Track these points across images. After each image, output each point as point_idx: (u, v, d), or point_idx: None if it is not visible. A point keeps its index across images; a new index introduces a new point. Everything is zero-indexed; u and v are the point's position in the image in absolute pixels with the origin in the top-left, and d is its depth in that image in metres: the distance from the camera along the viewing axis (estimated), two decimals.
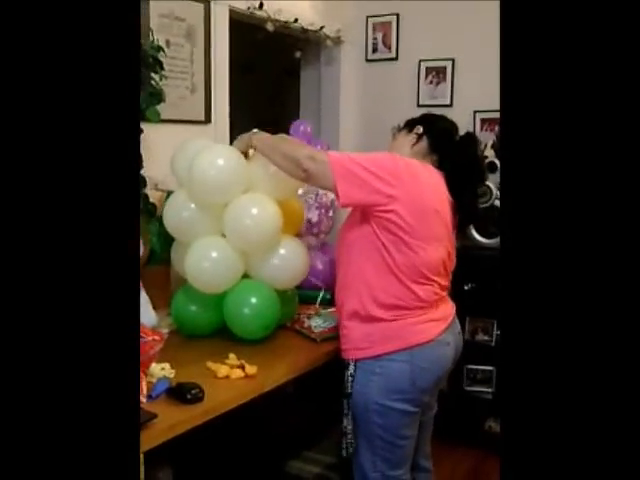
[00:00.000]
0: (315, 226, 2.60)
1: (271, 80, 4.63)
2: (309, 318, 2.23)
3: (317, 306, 2.40)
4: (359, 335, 1.83)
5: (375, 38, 3.60)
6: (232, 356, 1.89)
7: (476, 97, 3.28)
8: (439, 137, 1.94)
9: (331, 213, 2.66)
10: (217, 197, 1.99)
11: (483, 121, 3.31)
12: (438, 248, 1.83)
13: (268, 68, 4.49)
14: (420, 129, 1.95)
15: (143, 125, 2.04)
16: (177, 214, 2.04)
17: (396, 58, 3.56)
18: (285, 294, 2.19)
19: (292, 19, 3.06)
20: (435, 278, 1.83)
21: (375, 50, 3.62)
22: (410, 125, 2.00)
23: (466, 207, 1.93)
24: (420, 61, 3.47)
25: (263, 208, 1.99)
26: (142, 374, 1.64)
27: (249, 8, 2.83)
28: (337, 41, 3.48)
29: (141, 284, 1.94)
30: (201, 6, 2.57)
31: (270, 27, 2.93)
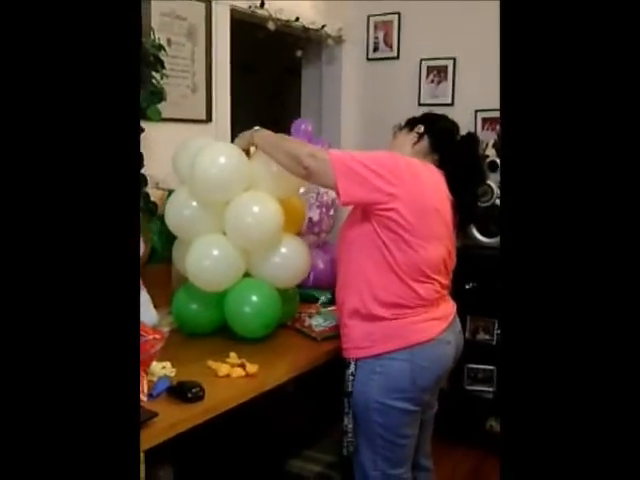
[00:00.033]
0: (316, 225, 2.60)
1: (272, 79, 4.63)
2: (310, 317, 2.23)
3: (318, 305, 2.40)
4: (360, 334, 1.83)
5: (376, 37, 3.60)
6: (233, 355, 1.89)
7: (477, 96, 3.27)
8: (440, 137, 1.94)
9: (332, 212, 2.66)
10: (219, 195, 1.99)
11: (484, 120, 3.30)
12: (438, 247, 1.83)
13: (269, 67, 4.49)
14: (421, 128, 1.96)
15: (144, 124, 2.04)
16: (179, 212, 2.04)
17: (397, 57, 3.56)
18: (286, 293, 2.19)
19: (293, 18, 3.06)
20: (436, 277, 1.83)
21: (376, 49, 3.61)
22: (411, 124, 2.00)
23: (466, 206, 1.93)
24: (421, 60, 3.46)
25: (264, 206, 1.99)
26: (143, 373, 1.65)
27: (250, 7, 2.82)
28: (338, 40, 3.48)
29: (142, 283, 1.94)
30: (202, 5, 2.57)
31: (271, 26, 2.93)
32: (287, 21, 3.04)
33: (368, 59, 3.65)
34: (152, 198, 2.23)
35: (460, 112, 3.17)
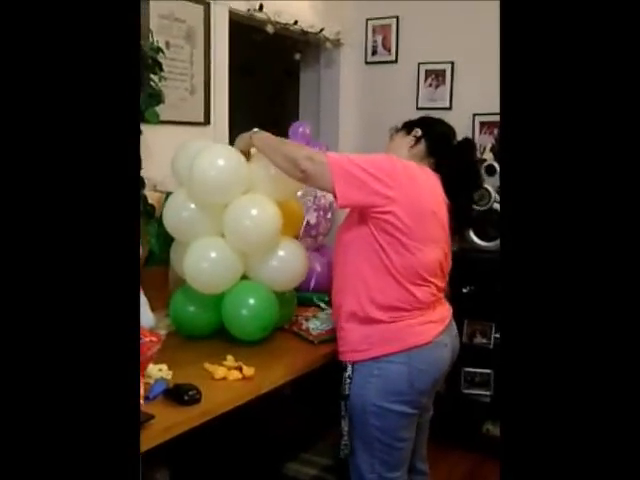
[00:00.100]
0: (313, 228, 2.60)
1: (271, 82, 4.63)
2: (307, 320, 2.23)
3: (315, 308, 2.40)
4: (357, 337, 1.83)
5: (375, 40, 3.61)
6: (230, 358, 1.89)
7: (475, 100, 3.28)
8: (437, 141, 1.95)
9: (329, 215, 2.66)
10: (217, 197, 1.99)
11: (482, 124, 3.31)
12: (435, 250, 1.83)
13: (268, 70, 4.50)
14: (419, 132, 1.96)
15: (142, 126, 2.04)
16: (177, 214, 2.04)
17: (395, 61, 3.57)
18: (283, 296, 2.19)
19: (292, 21, 3.07)
20: (432, 280, 1.84)
21: (375, 52, 3.62)
22: (408, 127, 2.00)
23: (461, 211, 1.94)
24: (419, 64, 3.47)
25: (263, 209, 1.99)
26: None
27: (249, 10, 2.83)
28: (337, 43, 3.49)
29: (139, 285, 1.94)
30: (201, 7, 2.57)
31: (270, 29, 2.93)
32: (286, 24, 3.04)
33: (366, 62, 3.65)
34: (150, 200, 2.23)
35: (458, 116, 3.19)
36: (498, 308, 1.05)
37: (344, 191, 1.73)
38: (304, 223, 2.49)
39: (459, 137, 2.00)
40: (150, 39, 2.23)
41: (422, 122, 2.01)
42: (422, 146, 1.95)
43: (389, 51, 3.57)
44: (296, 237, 2.27)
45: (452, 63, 3.39)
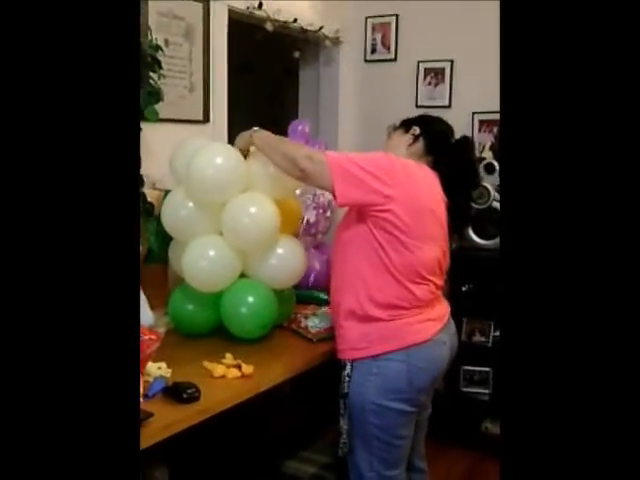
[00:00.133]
0: (313, 226, 2.60)
1: (270, 80, 4.63)
2: (306, 318, 2.23)
3: (314, 306, 2.40)
4: (356, 335, 1.83)
5: (374, 39, 3.60)
6: (229, 356, 1.89)
7: (475, 98, 3.28)
8: (435, 139, 1.95)
9: (329, 213, 2.66)
10: (215, 196, 1.99)
11: (481, 122, 3.31)
12: (434, 247, 1.84)
13: (267, 68, 4.49)
14: (417, 130, 1.96)
15: (141, 124, 2.04)
16: (175, 212, 2.04)
17: (395, 59, 3.56)
18: (282, 294, 2.19)
19: (291, 19, 3.06)
20: (431, 277, 1.84)
21: (374, 51, 3.62)
22: (406, 125, 2.01)
23: (459, 209, 1.95)
24: (419, 62, 3.47)
25: (261, 207, 1.99)
26: None
27: (248, 8, 2.83)
28: (336, 41, 3.48)
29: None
30: (200, 5, 2.57)
31: (269, 27, 2.93)
32: (285, 22, 3.04)
33: (366, 61, 3.65)
34: (149, 198, 2.23)
35: (457, 114, 3.19)
36: (497, 306, 1.05)
37: (343, 190, 1.74)
38: (303, 221, 2.49)
39: (458, 135, 2.00)
40: (149, 37, 2.23)
41: (420, 120, 2.01)
42: (420, 144, 1.95)
43: (388, 49, 3.57)
44: (295, 235, 2.27)
45: (451, 61, 3.39)
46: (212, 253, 2.00)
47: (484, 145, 3.22)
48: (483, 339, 3.07)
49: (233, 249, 2.02)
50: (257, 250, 2.07)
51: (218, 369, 1.80)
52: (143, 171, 2.11)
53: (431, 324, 1.85)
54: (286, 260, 2.10)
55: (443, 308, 1.94)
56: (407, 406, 1.82)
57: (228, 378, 1.78)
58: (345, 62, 3.62)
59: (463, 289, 3.07)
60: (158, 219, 2.12)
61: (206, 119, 2.65)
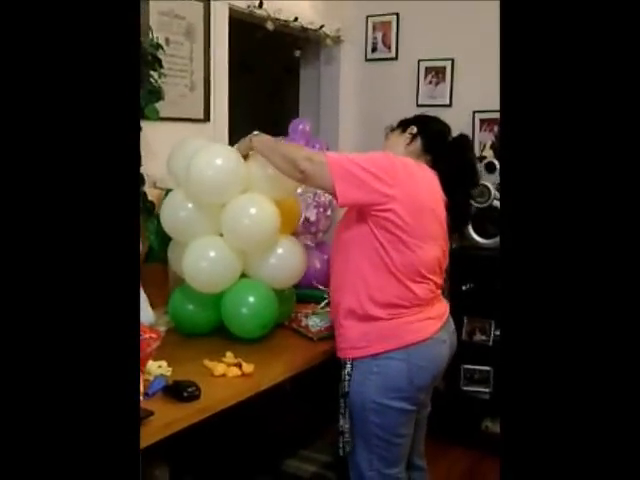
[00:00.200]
0: (313, 225, 2.61)
1: (270, 79, 4.63)
2: (306, 317, 2.23)
3: (314, 305, 2.40)
4: (356, 334, 1.83)
5: (375, 37, 3.60)
6: (229, 354, 1.89)
7: (475, 97, 3.28)
8: (433, 138, 1.96)
9: (329, 212, 2.66)
10: (214, 197, 1.99)
11: (482, 121, 3.31)
12: (434, 247, 1.84)
13: (267, 67, 4.49)
14: (414, 129, 1.97)
15: (142, 123, 2.04)
16: (174, 214, 2.04)
17: (396, 58, 3.56)
18: (283, 293, 2.19)
19: (292, 18, 3.06)
20: (431, 276, 1.84)
21: (375, 50, 3.62)
22: (404, 125, 2.02)
23: (458, 208, 1.95)
24: (419, 61, 3.47)
25: (261, 208, 1.99)
26: None
27: (249, 7, 2.82)
28: (337, 40, 3.48)
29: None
30: (201, 4, 2.57)
31: (270, 26, 2.93)
32: (286, 21, 3.03)
33: (366, 59, 3.65)
34: (150, 197, 2.23)
35: (458, 113, 3.19)
36: (498, 305, 1.05)
37: (344, 190, 1.74)
38: (302, 219, 2.49)
39: (458, 134, 2.01)
40: (150, 36, 2.23)
41: (417, 120, 2.02)
42: (418, 143, 1.96)
43: (389, 48, 3.57)
44: (293, 234, 2.27)
45: (452, 60, 3.38)
46: (212, 254, 2.00)
47: (485, 144, 3.22)
48: (484, 338, 3.08)
49: (233, 250, 2.02)
50: (257, 250, 2.07)
51: (218, 368, 1.80)
52: (144, 170, 2.12)
53: (431, 323, 1.85)
54: (286, 260, 2.10)
55: (442, 307, 1.94)
56: (407, 405, 1.82)
57: (228, 377, 1.78)
58: (346, 61, 3.62)
59: (464, 288, 3.07)
60: (159, 218, 2.12)
61: (207, 118, 2.65)
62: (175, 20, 2.45)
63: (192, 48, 2.54)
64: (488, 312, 3.01)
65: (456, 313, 2.00)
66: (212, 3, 2.62)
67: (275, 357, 1.99)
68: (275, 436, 2.45)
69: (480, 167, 2.94)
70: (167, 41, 2.39)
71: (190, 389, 1.61)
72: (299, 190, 2.41)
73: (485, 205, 2.95)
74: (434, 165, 1.92)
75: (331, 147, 2.93)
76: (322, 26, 3.28)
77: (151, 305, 2.05)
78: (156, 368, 1.73)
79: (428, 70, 3.46)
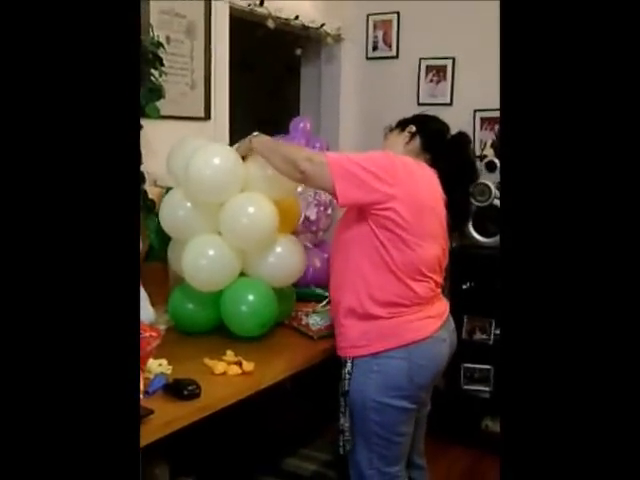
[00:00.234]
0: (314, 224, 2.60)
1: (271, 77, 4.63)
2: (307, 316, 2.23)
3: (315, 303, 2.40)
4: (356, 333, 1.83)
5: (376, 36, 3.60)
6: (229, 353, 1.89)
7: (476, 96, 3.28)
8: (431, 136, 1.97)
9: (330, 211, 2.65)
10: (213, 196, 1.99)
11: (483, 120, 3.31)
12: (434, 245, 1.84)
13: (268, 65, 4.49)
14: (413, 128, 1.98)
15: (142, 121, 2.04)
16: (173, 212, 2.03)
17: (396, 56, 3.56)
18: (282, 292, 2.19)
19: (293, 16, 3.06)
20: (431, 275, 1.84)
21: (375, 48, 3.61)
22: (402, 125, 2.02)
23: (458, 205, 1.96)
24: (420, 59, 3.47)
25: (260, 207, 1.99)
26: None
27: (250, 5, 2.82)
28: (338, 39, 3.48)
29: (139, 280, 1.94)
30: (201, 2, 2.57)
31: (271, 24, 2.92)
32: (286, 19, 3.03)
33: (367, 58, 3.65)
34: (150, 195, 2.23)
35: (459, 112, 3.19)
36: (498, 304, 1.05)
37: (344, 190, 1.74)
38: (302, 218, 2.49)
39: (459, 133, 2.01)
40: (151, 34, 2.23)
41: (416, 119, 2.03)
42: (417, 142, 1.96)
43: (390, 47, 3.57)
44: (293, 233, 2.27)
45: (453, 59, 3.38)
46: (211, 253, 2.00)
47: (485, 143, 3.22)
48: (484, 337, 3.08)
49: (232, 248, 2.02)
50: (256, 249, 2.07)
51: (219, 366, 1.80)
52: (144, 168, 2.12)
53: (431, 321, 1.85)
54: (285, 258, 2.10)
55: (442, 305, 1.94)
56: (408, 403, 1.83)
57: (229, 375, 1.78)
58: (346, 59, 3.62)
59: (464, 287, 3.07)
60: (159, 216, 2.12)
61: (207, 116, 2.65)
62: (176, 18, 2.44)
63: (193, 46, 2.54)
64: (488, 311, 3.01)
65: (456, 312, 2.01)
66: (213, 1, 2.61)
67: (275, 355, 1.99)
68: (275, 434, 2.45)
69: (481, 166, 2.95)
70: (168, 39, 2.39)
71: (190, 387, 1.61)
72: (299, 189, 2.41)
73: (486, 204, 2.96)
74: (433, 163, 1.93)
75: (332, 146, 2.93)
76: (323, 24, 3.28)
77: (151, 303, 2.05)
78: (156, 366, 1.73)
79: (429, 69, 3.46)
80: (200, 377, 1.69)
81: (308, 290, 2.46)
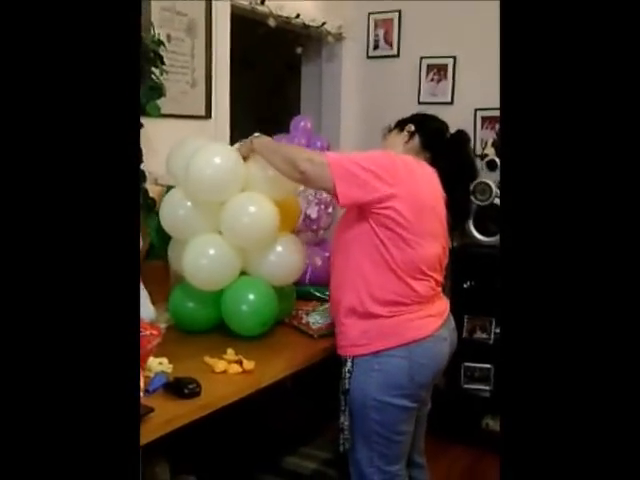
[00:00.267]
0: (314, 222, 2.60)
1: (272, 76, 4.63)
2: (307, 314, 2.23)
3: (316, 302, 2.40)
4: (356, 332, 1.83)
5: (376, 35, 3.60)
6: (230, 351, 1.89)
7: (477, 95, 3.28)
8: (431, 135, 1.97)
9: (330, 209, 2.65)
10: (213, 196, 1.98)
11: (484, 119, 3.31)
12: (434, 244, 1.84)
13: (269, 64, 4.49)
14: (412, 127, 1.99)
15: (143, 119, 2.04)
16: (173, 212, 2.03)
17: (397, 55, 3.56)
18: (283, 290, 2.18)
19: (294, 15, 3.06)
20: (431, 273, 1.85)
21: (376, 47, 3.61)
22: (401, 124, 2.03)
23: (458, 203, 1.96)
24: (421, 58, 3.46)
25: (260, 207, 1.99)
26: (140, 368, 1.65)
27: (251, 3, 2.82)
28: (338, 37, 3.48)
29: (140, 279, 1.94)
30: (202, 1, 2.56)
31: (272, 23, 2.92)
32: (287, 18, 3.03)
33: (368, 57, 3.65)
34: (151, 194, 2.23)
35: (460, 111, 3.19)
36: (498, 303, 1.05)
37: (345, 190, 1.74)
38: (303, 216, 2.49)
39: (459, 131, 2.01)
40: (151, 32, 2.23)
41: (414, 118, 2.04)
42: (416, 141, 1.97)
43: (391, 45, 3.57)
44: (293, 232, 2.27)
45: (454, 58, 3.38)
46: (212, 252, 1.99)
47: (486, 142, 3.22)
48: (484, 336, 3.08)
49: (233, 247, 2.02)
50: (257, 248, 2.07)
51: (219, 364, 1.80)
52: (145, 167, 2.11)
53: (431, 320, 1.85)
54: (285, 257, 2.10)
55: (443, 304, 1.95)
56: (408, 402, 1.83)
57: (229, 374, 1.78)
58: (347, 58, 3.62)
59: (464, 286, 3.07)
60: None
61: (208, 115, 2.65)
62: (177, 16, 2.44)
63: (194, 45, 2.54)
64: (489, 310, 3.01)
65: (457, 311, 2.01)
66: (214, 0, 2.61)
67: (276, 354, 1.99)
68: (276, 433, 2.45)
69: (481, 165, 2.96)
70: (169, 37, 2.39)
71: (191, 386, 1.61)
72: (301, 187, 2.40)
73: (486, 203, 2.96)
74: (433, 162, 1.93)
75: (332, 144, 2.93)
76: (324, 23, 3.28)
77: (152, 302, 2.05)
78: (157, 365, 1.73)
79: (430, 67, 3.46)
80: (200, 375, 1.69)
81: (309, 288, 2.46)
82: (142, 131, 2.01)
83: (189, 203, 2.00)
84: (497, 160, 3.01)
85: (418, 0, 3.43)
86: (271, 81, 4.66)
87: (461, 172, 1.97)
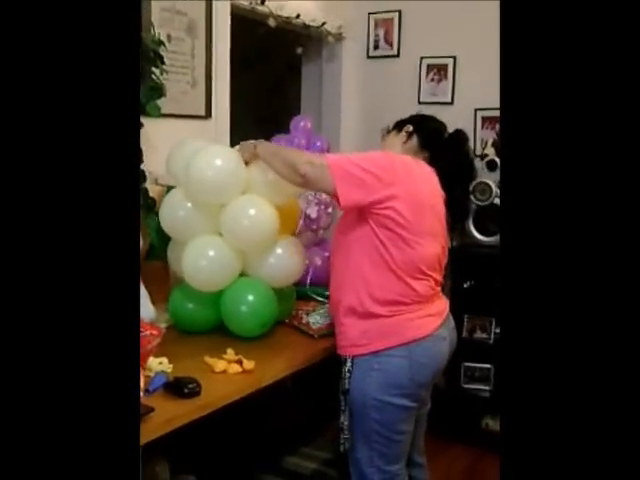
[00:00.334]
0: (314, 222, 2.60)
1: (272, 76, 4.63)
2: (307, 314, 2.23)
3: (315, 302, 2.40)
4: (356, 332, 1.83)
5: (377, 35, 3.60)
6: (230, 351, 1.89)
7: (477, 95, 3.28)
8: (429, 134, 1.98)
9: (330, 209, 2.65)
10: (214, 198, 1.98)
11: (484, 119, 3.31)
12: (433, 243, 1.85)
13: (269, 64, 4.49)
14: (410, 127, 2.00)
15: (143, 119, 2.04)
16: (173, 213, 2.03)
17: (397, 55, 3.56)
18: (283, 291, 2.18)
19: (294, 15, 3.06)
20: (431, 273, 1.85)
21: (376, 47, 3.61)
22: (399, 125, 2.04)
23: (457, 203, 1.97)
24: (421, 58, 3.46)
25: (260, 209, 1.99)
26: (140, 368, 1.65)
27: (251, 3, 2.82)
28: (339, 37, 3.48)
29: (140, 279, 1.94)
30: (203, 1, 2.56)
31: (272, 23, 2.92)
32: (288, 18, 3.03)
33: (368, 57, 3.65)
34: (151, 194, 2.23)
35: (460, 111, 3.19)
36: (498, 303, 1.05)
37: (346, 192, 1.74)
38: (303, 216, 2.49)
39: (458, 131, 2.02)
40: (152, 32, 2.23)
41: (412, 119, 2.05)
42: (414, 141, 1.98)
43: (391, 45, 3.57)
44: (292, 234, 2.27)
45: (454, 58, 3.38)
46: (211, 253, 1.99)
47: (486, 142, 3.22)
48: (484, 336, 3.08)
49: (232, 249, 2.02)
50: (257, 251, 2.07)
51: (219, 364, 1.80)
52: (145, 167, 2.12)
53: (431, 320, 1.85)
54: (285, 259, 2.10)
55: (442, 304, 1.95)
56: (408, 401, 1.83)
57: (229, 373, 1.78)
58: (347, 58, 3.62)
59: (464, 286, 3.07)
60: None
61: (208, 114, 2.65)
62: (177, 16, 2.44)
63: (194, 44, 2.54)
64: (489, 310, 3.01)
65: (457, 311, 2.01)
66: (214, 0, 2.61)
67: (276, 354, 1.99)
68: (276, 433, 2.45)
69: (481, 165, 2.96)
70: (169, 37, 2.39)
71: (191, 385, 1.61)
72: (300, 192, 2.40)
73: (486, 203, 2.96)
74: (432, 161, 1.94)
75: (333, 144, 2.93)
76: (324, 23, 3.28)
77: (152, 302, 2.05)
78: (157, 365, 1.73)
79: (430, 67, 3.46)
80: (200, 375, 1.69)
81: (309, 289, 2.46)
82: (142, 131, 2.02)
83: (189, 204, 2.00)
84: (497, 160, 3.01)
85: (418, 0, 3.43)
86: (271, 81, 4.65)
87: (459, 171, 1.98)
